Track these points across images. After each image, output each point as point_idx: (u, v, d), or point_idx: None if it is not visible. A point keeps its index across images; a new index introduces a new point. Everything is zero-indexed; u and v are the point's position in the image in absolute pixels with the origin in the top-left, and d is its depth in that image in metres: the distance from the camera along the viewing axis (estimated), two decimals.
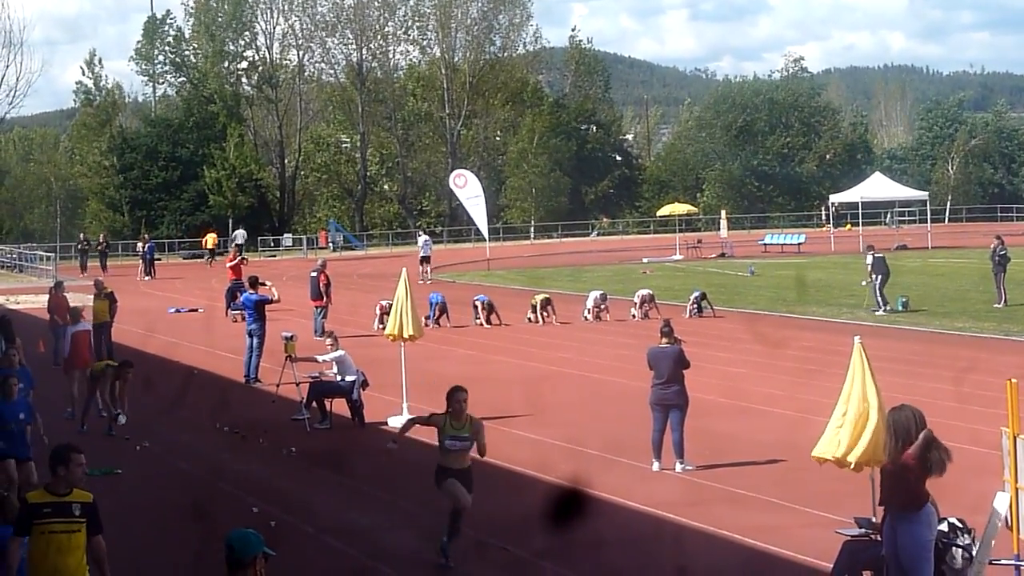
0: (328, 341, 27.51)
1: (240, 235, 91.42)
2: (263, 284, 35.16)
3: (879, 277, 44.00)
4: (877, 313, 43.06)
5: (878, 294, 43.87)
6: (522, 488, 20.47)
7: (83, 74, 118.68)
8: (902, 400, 13.24)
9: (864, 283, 45.44)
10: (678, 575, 16.32)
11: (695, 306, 44.84)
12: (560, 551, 16.62)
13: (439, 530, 16.22)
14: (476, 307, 44.65)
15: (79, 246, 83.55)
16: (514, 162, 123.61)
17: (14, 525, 11.80)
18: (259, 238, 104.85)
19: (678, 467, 20.81)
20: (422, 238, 70.15)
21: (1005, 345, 35.41)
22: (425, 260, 66.41)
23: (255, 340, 32.21)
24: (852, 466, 13.55)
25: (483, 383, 31.41)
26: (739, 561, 16.32)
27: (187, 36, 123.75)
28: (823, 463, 13.77)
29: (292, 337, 28.35)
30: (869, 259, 44.62)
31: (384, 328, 31.97)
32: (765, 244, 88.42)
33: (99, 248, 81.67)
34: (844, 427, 13.50)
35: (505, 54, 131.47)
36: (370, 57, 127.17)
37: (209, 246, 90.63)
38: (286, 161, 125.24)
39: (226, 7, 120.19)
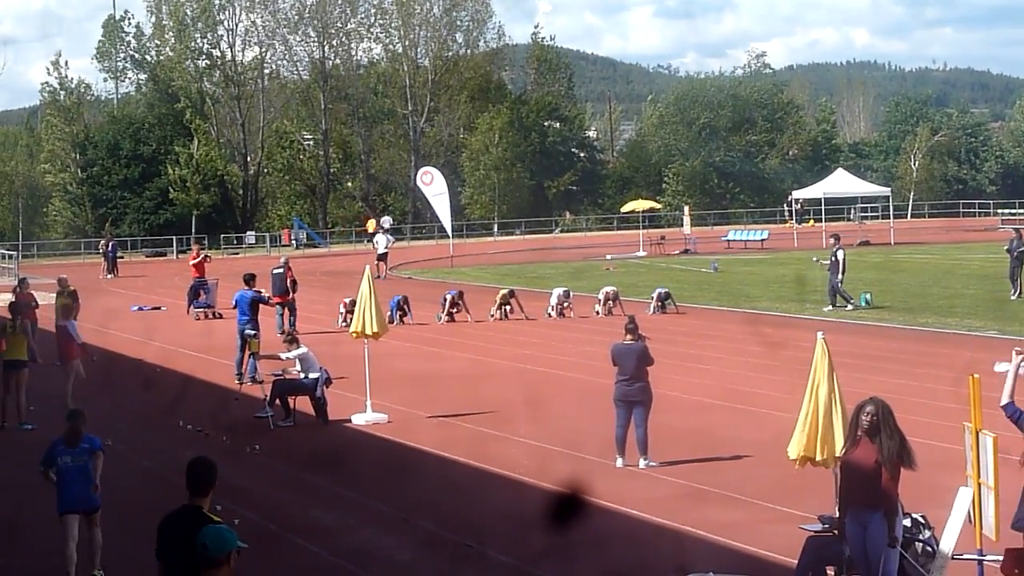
0: (285, 340, 27.37)
1: (387, 220, 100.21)
2: (258, 291, 32.37)
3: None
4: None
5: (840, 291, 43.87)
6: (485, 485, 20.45)
7: (48, 74, 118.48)
8: (868, 396, 13.26)
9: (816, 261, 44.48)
10: (642, 571, 16.30)
11: (658, 303, 44.81)
12: (524, 548, 16.60)
13: (405, 528, 16.13)
14: (445, 301, 44.36)
15: None
16: (474, 156, 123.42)
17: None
18: (222, 236, 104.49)
19: (642, 463, 20.79)
20: (382, 236, 69.62)
21: (969, 341, 35.48)
22: (382, 258, 65.51)
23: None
24: (821, 463, 13.59)
25: (446, 380, 31.49)
26: (703, 557, 16.28)
27: (148, 34, 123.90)
28: (803, 463, 13.78)
29: (255, 335, 28.20)
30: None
31: (348, 325, 31.98)
32: (728, 240, 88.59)
33: None
34: (810, 424, 13.54)
35: (467, 51, 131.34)
36: (332, 54, 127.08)
37: (371, 231, 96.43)
38: (249, 159, 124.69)
39: (192, 3, 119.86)
